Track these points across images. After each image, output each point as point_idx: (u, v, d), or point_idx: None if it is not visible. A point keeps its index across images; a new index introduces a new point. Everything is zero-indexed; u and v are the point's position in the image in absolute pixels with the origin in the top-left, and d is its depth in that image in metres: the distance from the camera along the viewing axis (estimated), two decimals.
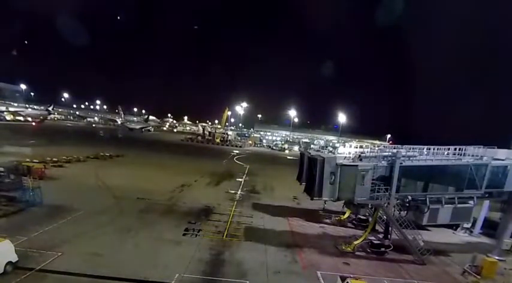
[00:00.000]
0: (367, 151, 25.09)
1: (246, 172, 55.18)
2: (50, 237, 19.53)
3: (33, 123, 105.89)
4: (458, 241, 28.58)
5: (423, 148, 25.92)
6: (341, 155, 25.87)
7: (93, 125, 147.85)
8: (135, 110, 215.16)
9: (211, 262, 18.78)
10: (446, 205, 22.19)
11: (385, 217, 23.91)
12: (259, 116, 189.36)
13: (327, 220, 30.57)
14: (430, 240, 25.13)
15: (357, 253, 22.62)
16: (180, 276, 16.54)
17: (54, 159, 42.83)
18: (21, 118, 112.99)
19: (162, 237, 21.74)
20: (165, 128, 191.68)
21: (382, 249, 22.93)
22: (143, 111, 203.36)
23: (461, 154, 23.32)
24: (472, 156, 23.05)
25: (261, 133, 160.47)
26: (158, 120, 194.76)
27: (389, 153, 22.88)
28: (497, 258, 22.76)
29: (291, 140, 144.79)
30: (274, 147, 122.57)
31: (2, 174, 26.80)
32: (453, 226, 30.18)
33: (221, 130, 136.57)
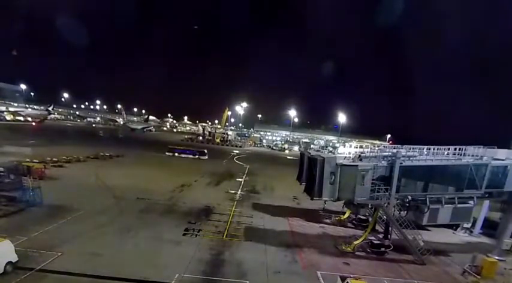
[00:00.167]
0: (367, 152, 25.08)
1: (246, 172, 55.17)
2: (50, 237, 19.54)
3: (33, 123, 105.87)
4: (458, 241, 28.57)
5: (423, 148, 25.90)
6: (341, 155, 25.89)
7: (93, 125, 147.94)
8: (135, 110, 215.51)
9: (211, 262, 18.77)
10: (446, 205, 22.19)
11: (385, 217, 23.91)
12: (259, 116, 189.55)
13: (327, 220, 30.56)
14: (430, 240, 25.13)
15: (357, 253, 22.62)
16: (180, 276, 16.54)
17: (54, 159, 42.90)
18: (21, 118, 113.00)
19: (162, 237, 21.73)
20: (165, 128, 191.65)
21: (382, 249, 22.93)
22: (143, 111, 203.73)
23: (461, 155, 23.31)
24: (472, 156, 23.04)
25: (261, 133, 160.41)
26: (158, 120, 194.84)
27: (389, 153, 22.87)
28: (497, 258, 22.75)
29: (291, 140, 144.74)
30: (274, 147, 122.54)
31: (2, 174, 26.82)
32: (453, 226, 30.17)
33: (221, 130, 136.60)
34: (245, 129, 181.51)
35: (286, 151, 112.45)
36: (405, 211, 23.75)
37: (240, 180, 47.09)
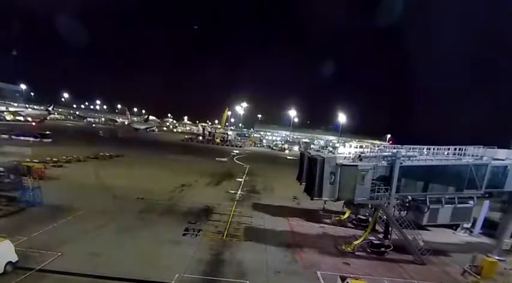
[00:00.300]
0: (367, 152, 25.09)
1: (246, 172, 55.16)
2: (50, 237, 19.54)
3: (33, 123, 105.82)
4: (458, 241, 28.56)
5: (423, 148, 25.90)
6: (341, 155, 25.89)
7: (93, 125, 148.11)
8: (135, 109, 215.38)
9: (211, 262, 18.77)
10: (446, 205, 22.20)
11: (385, 217, 23.89)
12: (259, 116, 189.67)
13: (327, 220, 30.55)
14: (430, 240, 25.13)
15: (357, 253, 22.61)
16: (180, 276, 16.53)
17: (54, 159, 42.93)
18: (21, 118, 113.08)
19: (162, 237, 21.73)
20: (165, 128, 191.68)
21: (382, 249, 22.91)
22: (143, 111, 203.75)
23: (461, 154, 23.31)
24: (472, 156, 23.04)
25: (261, 133, 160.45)
26: (158, 120, 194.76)
27: (389, 153, 22.88)
28: (497, 258, 22.75)
29: (291, 140, 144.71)
30: (274, 147, 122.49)
31: (2, 174, 26.87)
32: (453, 226, 30.16)
33: (221, 130, 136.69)
34: (245, 129, 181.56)
35: (286, 152, 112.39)
36: (405, 211, 23.78)
37: (240, 180, 47.07)
